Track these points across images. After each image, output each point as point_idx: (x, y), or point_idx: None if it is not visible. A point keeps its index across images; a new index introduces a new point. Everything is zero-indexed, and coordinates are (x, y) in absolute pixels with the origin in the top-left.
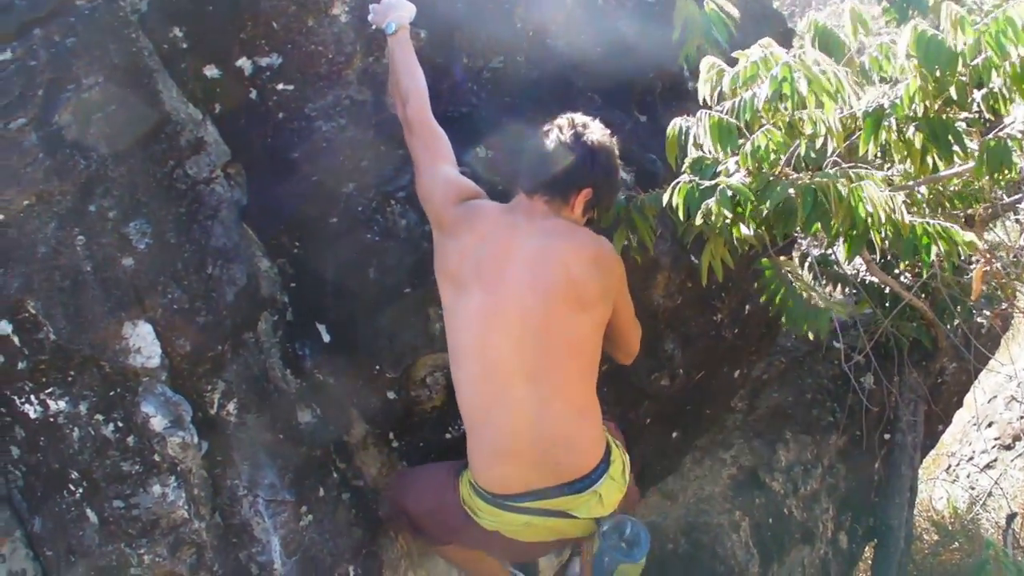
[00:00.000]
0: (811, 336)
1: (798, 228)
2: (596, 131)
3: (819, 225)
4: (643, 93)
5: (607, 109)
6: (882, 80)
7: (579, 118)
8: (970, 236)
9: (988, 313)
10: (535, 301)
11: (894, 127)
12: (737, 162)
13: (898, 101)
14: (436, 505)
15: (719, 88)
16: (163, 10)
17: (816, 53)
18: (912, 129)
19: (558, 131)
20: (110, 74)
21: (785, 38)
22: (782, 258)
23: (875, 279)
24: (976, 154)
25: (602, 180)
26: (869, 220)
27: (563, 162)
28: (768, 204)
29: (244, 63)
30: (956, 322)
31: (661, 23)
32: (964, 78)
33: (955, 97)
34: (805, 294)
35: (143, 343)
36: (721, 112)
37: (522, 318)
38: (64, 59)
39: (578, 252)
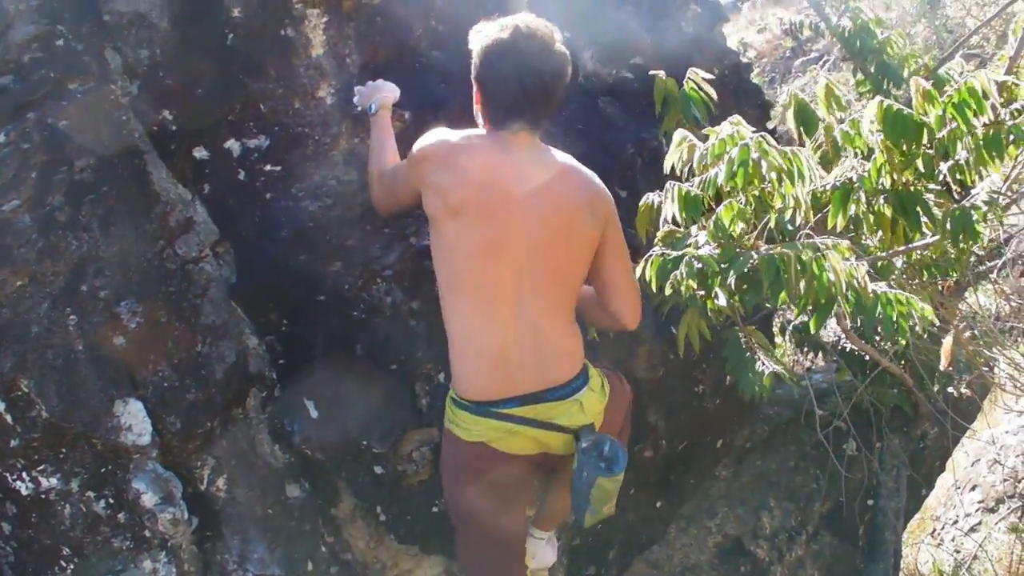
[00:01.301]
0: (751, 396)
1: (765, 298)
2: (543, 29)
3: (785, 295)
4: (624, 168)
5: None
6: (856, 154)
7: (522, 22)
8: (928, 308)
9: (966, 379)
10: (537, 238)
11: (863, 200)
12: (707, 235)
13: (866, 174)
14: (452, 471)
15: (690, 163)
16: (153, 93)
17: (771, 143)
18: (882, 201)
19: (514, 49)
20: (102, 156)
21: (763, 111)
22: (751, 329)
23: (854, 347)
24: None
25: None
26: (832, 288)
27: (538, 86)
28: (732, 275)
29: (232, 144)
30: (935, 388)
31: (641, 98)
32: (931, 150)
33: (922, 169)
34: (756, 358)
35: (134, 420)
36: (691, 186)
37: (525, 250)
38: (57, 141)
39: (576, 193)
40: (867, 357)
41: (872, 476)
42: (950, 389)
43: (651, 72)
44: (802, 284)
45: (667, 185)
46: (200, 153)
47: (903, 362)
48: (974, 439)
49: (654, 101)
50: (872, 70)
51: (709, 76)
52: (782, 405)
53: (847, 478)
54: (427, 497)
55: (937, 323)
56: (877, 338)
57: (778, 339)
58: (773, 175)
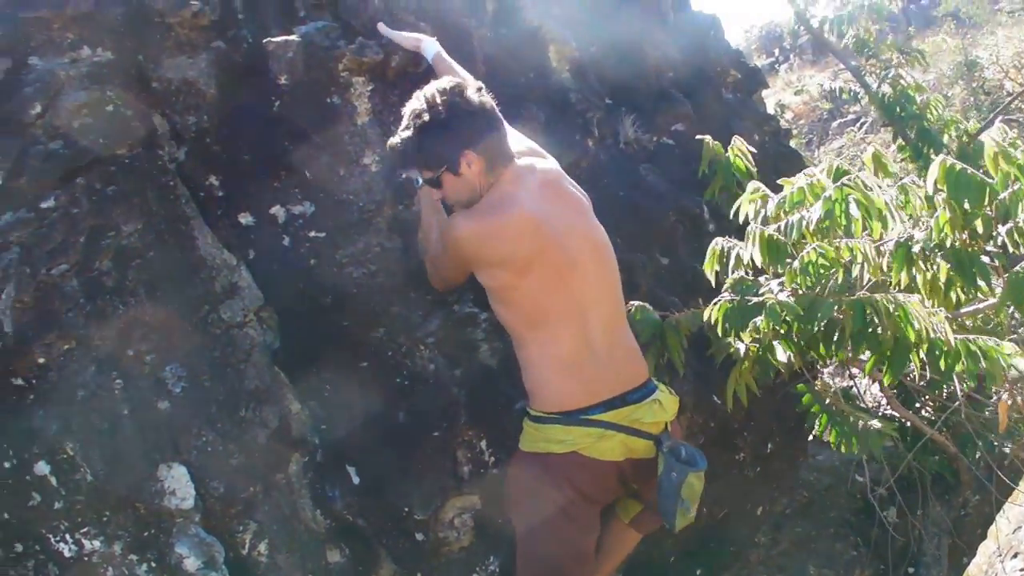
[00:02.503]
0: (865, 463)
1: (846, 347)
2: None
3: (864, 346)
4: (665, 235)
5: (630, 251)
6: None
7: (441, 87)
8: (1017, 350)
9: (1011, 445)
10: (582, 248)
11: (921, 258)
12: (781, 283)
13: (928, 232)
14: (532, 501)
15: (763, 212)
16: (200, 159)
17: (869, 176)
18: (938, 260)
19: (465, 104)
20: (148, 221)
21: None
22: (822, 383)
23: (895, 413)
24: (998, 291)
25: None
26: (915, 338)
27: (496, 121)
28: (816, 322)
29: (278, 211)
30: (978, 455)
31: (681, 165)
32: (990, 212)
33: (980, 231)
34: (852, 417)
35: (178, 485)
36: (770, 230)
37: (580, 265)
38: (105, 206)
39: (566, 181)
40: (909, 424)
41: (914, 544)
42: (1001, 450)
43: (698, 136)
44: (888, 331)
45: (749, 228)
46: (246, 219)
47: (944, 429)
48: (1017, 504)
49: (695, 168)
50: (912, 136)
51: (751, 149)
52: (822, 471)
53: (888, 545)
54: (467, 564)
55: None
56: (917, 405)
57: None
58: (860, 222)
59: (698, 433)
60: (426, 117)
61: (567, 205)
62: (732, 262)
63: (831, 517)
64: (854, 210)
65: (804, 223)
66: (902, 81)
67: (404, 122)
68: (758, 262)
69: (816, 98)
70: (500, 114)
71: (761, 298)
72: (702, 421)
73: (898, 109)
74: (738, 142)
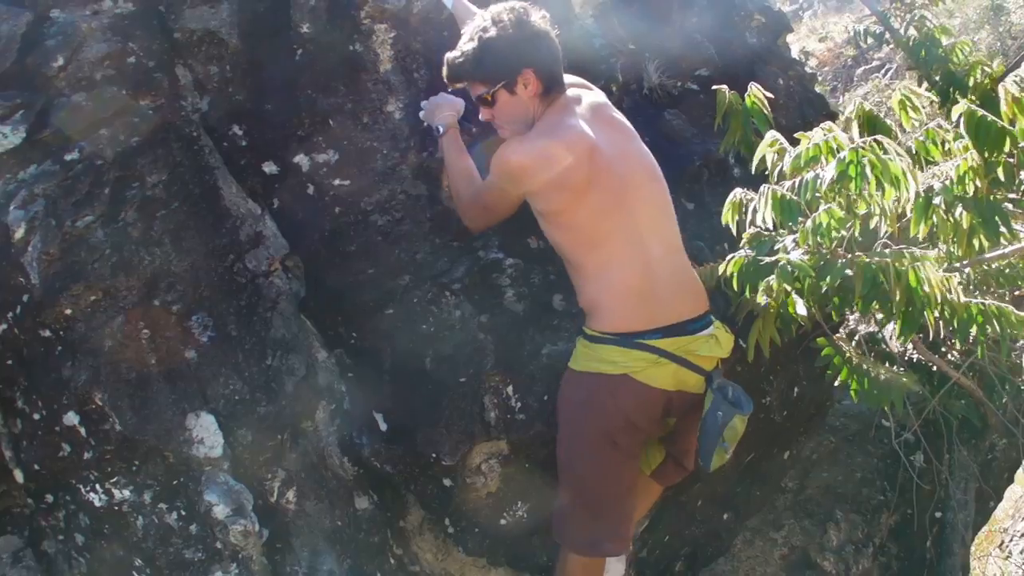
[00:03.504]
0: (888, 410)
1: (855, 307)
2: (519, 7)
3: (876, 304)
4: (690, 181)
5: None
6: (927, 163)
7: (508, 6)
8: (1021, 316)
9: None
10: (637, 173)
11: (942, 208)
12: (795, 240)
13: (948, 182)
14: (576, 423)
15: (779, 167)
16: (223, 109)
17: (884, 139)
18: (959, 210)
19: (530, 25)
20: (173, 171)
21: (829, 121)
22: (839, 337)
23: (922, 357)
24: (1022, 236)
25: None
26: (926, 300)
27: (556, 49)
28: (827, 282)
29: (302, 159)
30: (1004, 400)
31: (707, 110)
32: (1012, 159)
33: (1002, 178)
34: (872, 371)
35: (206, 433)
36: (782, 189)
37: (636, 188)
38: (129, 157)
39: (634, 131)
40: (935, 368)
41: (940, 488)
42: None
43: (713, 87)
44: (897, 293)
45: (762, 187)
46: (270, 168)
47: (971, 374)
48: None
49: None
50: (938, 79)
51: (769, 95)
52: (849, 416)
53: (915, 490)
54: (495, 509)
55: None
56: (943, 349)
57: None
58: (875, 182)
59: (725, 376)
60: (492, 32)
61: (618, 131)
62: (749, 216)
63: (858, 462)
64: (869, 174)
65: (818, 182)
66: (927, 24)
67: (466, 36)
68: (769, 223)
69: (840, 45)
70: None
71: (775, 257)
72: (729, 366)
73: (923, 52)
74: (754, 89)
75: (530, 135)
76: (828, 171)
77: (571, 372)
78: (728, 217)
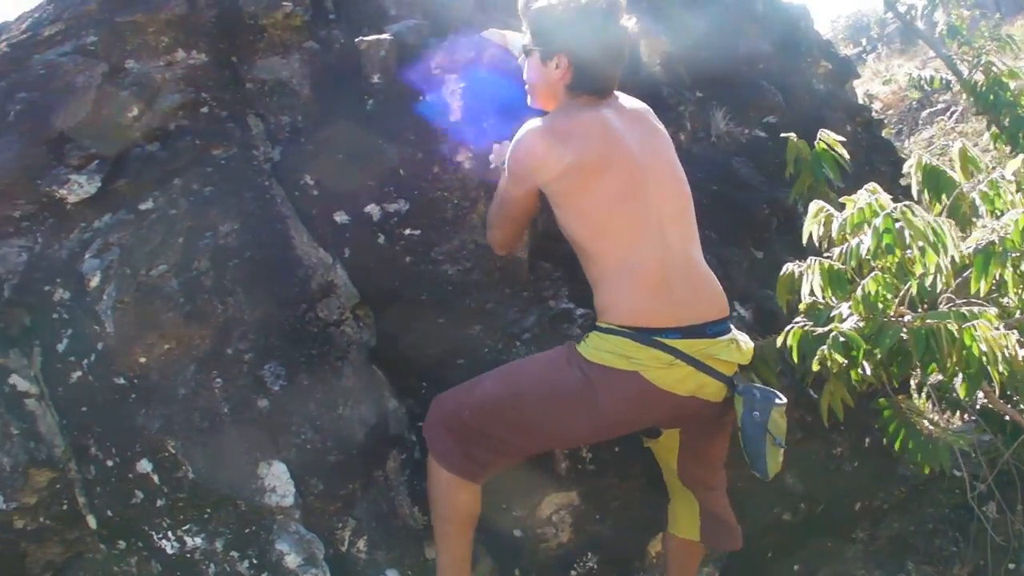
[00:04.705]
0: (928, 471)
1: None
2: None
3: (935, 366)
4: (759, 229)
5: (723, 246)
6: (992, 214)
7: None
8: None
9: None
10: (656, 170)
11: (1008, 262)
12: (850, 307)
13: (1007, 236)
14: (551, 389)
15: (828, 234)
16: (295, 159)
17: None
18: None
19: (600, 23)
20: (245, 221)
21: (896, 167)
22: (900, 397)
23: (995, 407)
24: None
25: None
26: (984, 359)
27: (619, 57)
28: (881, 348)
29: (372, 209)
30: None
31: (775, 157)
32: None
33: None
34: (924, 429)
35: (278, 482)
36: (831, 258)
37: (653, 183)
38: (202, 207)
39: (669, 140)
40: (1007, 416)
41: (1015, 539)
42: None
43: (783, 135)
44: (953, 355)
45: (809, 259)
46: (341, 217)
47: None
48: None
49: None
50: (1007, 124)
51: (840, 138)
52: (919, 466)
53: (988, 542)
54: (564, 561)
55: None
56: (1016, 398)
57: (914, 397)
58: (917, 244)
59: (795, 428)
60: (562, 3)
61: (646, 129)
62: (804, 288)
63: (929, 513)
64: (907, 237)
65: (860, 250)
66: (994, 68)
67: None
68: (819, 294)
69: (905, 87)
70: (628, 56)
71: (828, 328)
72: (799, 416)
73: (991, 97)
74: (824, 135)
75: (543, 119)
76: (866, 240)
77: (582, 356)
78: (780, 295)
